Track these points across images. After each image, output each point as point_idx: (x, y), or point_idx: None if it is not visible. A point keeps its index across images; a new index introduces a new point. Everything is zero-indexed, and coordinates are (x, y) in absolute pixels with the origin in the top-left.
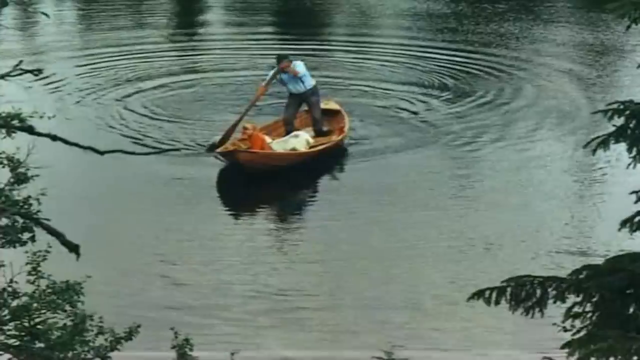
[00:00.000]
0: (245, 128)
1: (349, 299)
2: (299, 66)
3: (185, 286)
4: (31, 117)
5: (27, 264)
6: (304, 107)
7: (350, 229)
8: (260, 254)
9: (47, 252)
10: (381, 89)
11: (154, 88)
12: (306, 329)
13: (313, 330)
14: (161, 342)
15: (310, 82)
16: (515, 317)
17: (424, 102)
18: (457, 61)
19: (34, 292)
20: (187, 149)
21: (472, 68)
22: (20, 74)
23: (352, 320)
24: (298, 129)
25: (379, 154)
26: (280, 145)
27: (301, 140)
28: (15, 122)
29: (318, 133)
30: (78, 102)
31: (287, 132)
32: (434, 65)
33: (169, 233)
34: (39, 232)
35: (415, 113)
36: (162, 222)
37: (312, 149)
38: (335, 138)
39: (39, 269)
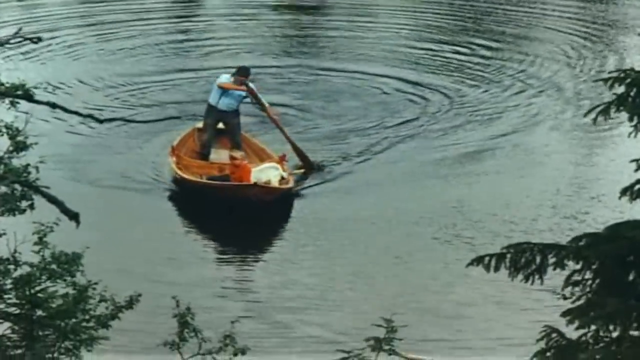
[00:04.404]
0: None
1: (337, 309)
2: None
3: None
4: (36, 88)
5: (33, 234)
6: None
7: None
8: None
9: (56, 224)
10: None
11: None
12: (296, 337)
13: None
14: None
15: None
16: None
17: (417, 73)
18: (455, 31)
19: (39, 262)
20: (186, 117)
21: (470, 41)
22: (19, 42)
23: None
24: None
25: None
26: (256, 175)
27: (277, 175)
28: (19, 92)
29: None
30: (76, 69)
31: (204, 156)
32: (430, 35)
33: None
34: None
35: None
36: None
37: (287, 185)
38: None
39: (45, 239)
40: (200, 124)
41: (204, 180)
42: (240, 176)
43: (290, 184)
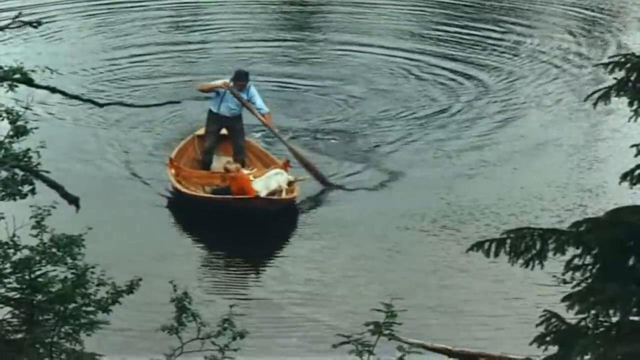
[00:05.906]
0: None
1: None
2: (255, 94)
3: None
4: (33, 71)
5: (31, 217)
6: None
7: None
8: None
9: (53, 207)
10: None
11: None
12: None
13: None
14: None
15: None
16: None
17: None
18: (455, 15)
19: (37, 245)
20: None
21: (470, 25)
22: (19, 27)
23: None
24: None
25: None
26: (263, 183)
27: (285, 179)
28: (17, 76)
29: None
30: (75, 53)
31: (205, 163)
32: (430, 24)
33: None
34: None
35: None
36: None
37: (292, 194)
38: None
39: (43, 223)
40: (199, 131)
41: (204, 195)
42: (241, 187)
43: (295, 193)
